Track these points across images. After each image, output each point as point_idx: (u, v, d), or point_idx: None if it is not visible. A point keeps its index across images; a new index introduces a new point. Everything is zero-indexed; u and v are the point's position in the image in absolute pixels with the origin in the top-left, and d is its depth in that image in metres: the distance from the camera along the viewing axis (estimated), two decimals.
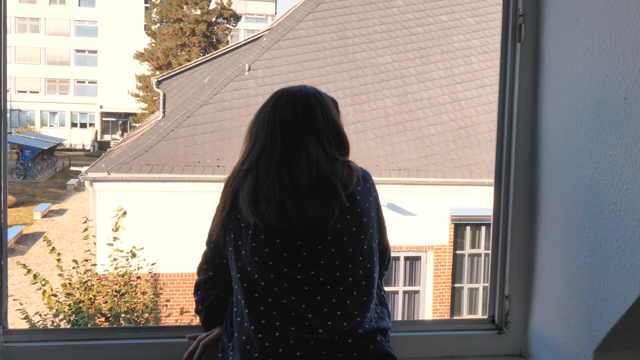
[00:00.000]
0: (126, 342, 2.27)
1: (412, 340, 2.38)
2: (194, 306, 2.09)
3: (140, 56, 42.34)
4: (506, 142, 2.36)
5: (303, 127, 1.88)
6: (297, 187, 1.80)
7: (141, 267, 10.04)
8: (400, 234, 13.07)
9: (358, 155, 12.84)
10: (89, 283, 9.52)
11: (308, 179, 1.81)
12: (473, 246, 14.13)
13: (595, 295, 1.94)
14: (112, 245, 9.43)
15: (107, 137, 57.10)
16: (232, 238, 1.86)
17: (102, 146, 50.86)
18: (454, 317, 13.97)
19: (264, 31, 17.87)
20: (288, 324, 1.75)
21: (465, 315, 14.10)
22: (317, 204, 1.80)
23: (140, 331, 2.35)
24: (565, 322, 2.13)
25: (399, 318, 13.83)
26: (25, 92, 56.16)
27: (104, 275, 9.99)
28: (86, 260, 9.79)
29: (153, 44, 42.51)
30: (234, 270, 1.87)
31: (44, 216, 26.39)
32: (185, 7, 41.54)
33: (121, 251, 9.59)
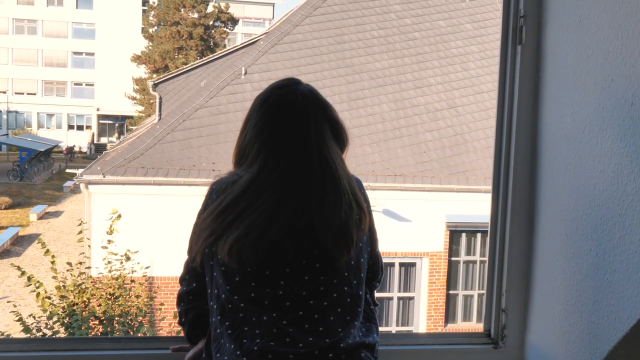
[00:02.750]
0: (107, 353, 2.18)
1: (404, 354, 2.29)
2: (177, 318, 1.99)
3: (137, 59, 42.30)
4: (505, 149, 2.27)
5: (311, 135, 1.76)
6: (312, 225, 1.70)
7: (135, 271, 9.98)
8: (395, 240, 13.03)
9: (354, 161, 12.78)
10: (83, 286, 9.45)
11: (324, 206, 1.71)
12: (468, 253, 14.09)
13: (597, 311, 1.84)
14: (106, 248, 9.37)
15: (103, 140, 57.02)
16: (214, 251, 1.74)
17: (98, 149, 50.87)
18: (449, 325, 13.92)
19: (261, 35, 17.80)
20: (268, 340, 1.66)
21: (459, 322, 14.05)
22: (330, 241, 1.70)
23: (121, 342, 2.26)
24: (564, 338, 2.03)
25: (393, 324, 13.80)
26: (23, 93, 56.08)
27: (98, 278, 9.93)
28: (80, 263, 9.73)
29: (150, 47, 42.48)
30: (212, 287, 1.76)
31: (40, 218, 26.42)
32: (182, 10, 41.50)
33: (115, 254, 9.52)
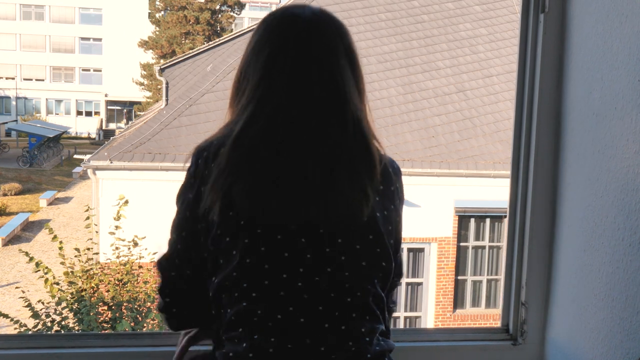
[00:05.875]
0: (94, 350, 2.03)
1: (415, 351, 2.12)
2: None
3: (144, 44, 42.25)
4: (525, 129, 2.07)
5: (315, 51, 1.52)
6: (334, 177, 1.48)
7: (143, 257, 9.96)
8: (403, 225, 12.91)
9: None
10: (92, 272, 9.51)
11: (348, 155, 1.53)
12: (477, 238, 13.99)
13: (631, 307, 1.66)
14: (114, 234, 9.38)
15: (112, 126, 57.09)
16: (218, 231, 1.49)
17: (107, 134, 50.86)
18: (457, 311, 13.82)
19: None
20: (284, 341, 1.44)
21: (468, 307, 13.96)
22: (349, 190, 1.48)
23: (110, 338, 2.10)
24: (591, 336, 1.85)
25: (402, 310, 13.73)
26: (31, 79, 56.20)
27: (106, 263, 9.98)
28: (88, 249, 9.75)
29: (157, 32, 42.40)
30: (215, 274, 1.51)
31: (50, 204, 26.62)
32: None
33: (123, 240, 9.55)
